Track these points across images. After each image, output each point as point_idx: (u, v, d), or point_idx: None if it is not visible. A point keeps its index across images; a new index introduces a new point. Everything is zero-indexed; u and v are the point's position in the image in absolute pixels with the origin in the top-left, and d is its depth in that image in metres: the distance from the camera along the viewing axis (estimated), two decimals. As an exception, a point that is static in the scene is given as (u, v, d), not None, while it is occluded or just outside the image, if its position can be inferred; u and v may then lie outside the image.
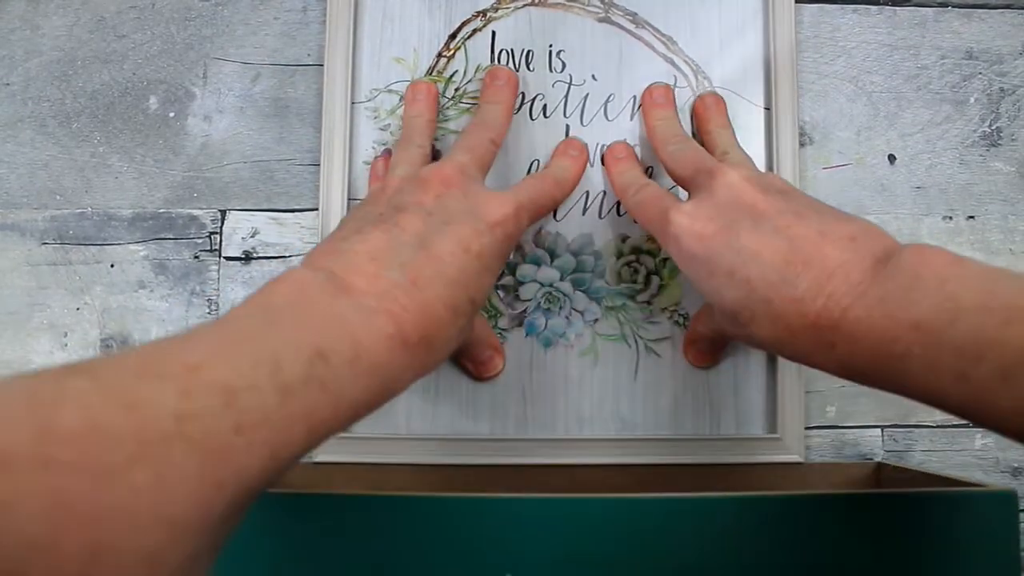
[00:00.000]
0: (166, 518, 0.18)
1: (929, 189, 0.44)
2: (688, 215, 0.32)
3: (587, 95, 0.42)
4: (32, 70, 0.43)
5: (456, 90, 0.42)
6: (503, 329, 0.41)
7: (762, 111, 0.42)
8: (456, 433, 0.41)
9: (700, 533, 0.31)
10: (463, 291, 0.29)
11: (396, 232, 0.30)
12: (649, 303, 0.42)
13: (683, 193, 0.37)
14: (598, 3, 0.43)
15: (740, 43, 0.43)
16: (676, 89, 0.42)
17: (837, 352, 0.27)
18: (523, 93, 0.42)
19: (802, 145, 0.44)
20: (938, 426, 0.43)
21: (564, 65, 0.42)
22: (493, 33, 0.42)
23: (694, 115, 0.42)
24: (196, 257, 0.43)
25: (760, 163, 0.42)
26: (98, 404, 0.18)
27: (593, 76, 0.42)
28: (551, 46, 0.42)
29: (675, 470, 0.40)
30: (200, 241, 0.43)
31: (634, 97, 0.42)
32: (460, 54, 0.42)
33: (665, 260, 0.42)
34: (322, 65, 0.42)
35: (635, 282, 0.42)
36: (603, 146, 0.42)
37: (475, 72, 0.42)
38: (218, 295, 0.42)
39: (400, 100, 0.42)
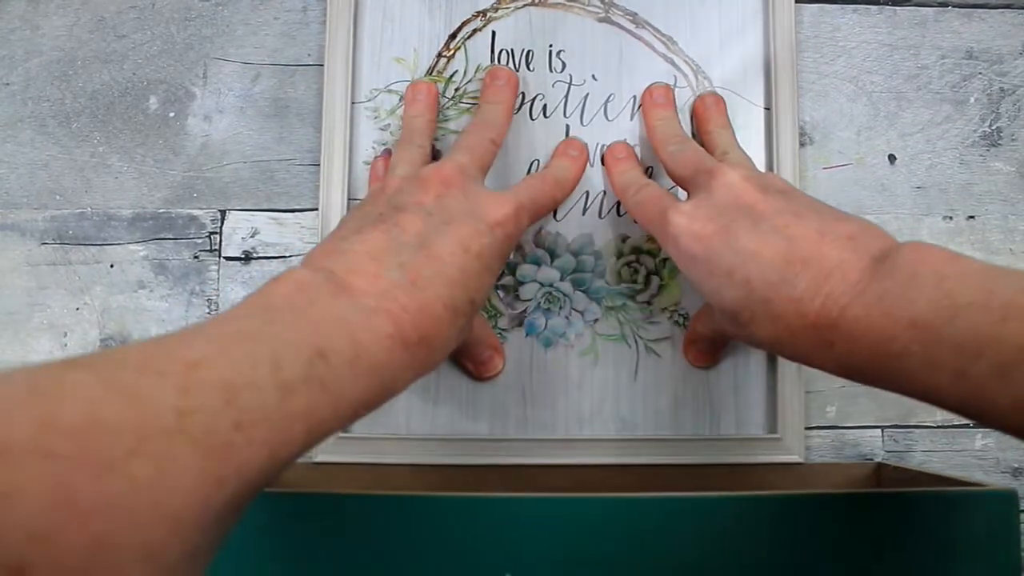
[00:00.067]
0: (166, 513, 0.18)
1: (929, 189, 0.44)
2: (687, 215, 0.32)
3: (587, 95, 0.42)
4: (32, 70, 0.43)
5: (456, 90, 0.42)
6: (503, 329, 0.41)
7: (762, 111, 0.42)
8: (456, 433, 0.41)
9: (700, 533, 0.31)
10: (463, 291, 0.29)
11: (396, 232, 0.30)
12: (649, 303, 0.42)
13: (683, 193, 0.37)
14: (598, 3, 0.43)
15: (740, 43, 0.43)
16: (676, 89, 0.42)
17: (836, 351, 0.27)
18: (523, 93, 0.42)
19: (802, 145, 0.44)
20: (938, 426, 0.43)
21: (564, 65, 0.42)
22: (493, 33, 0.42)
23: (694, 115, 0.42)
24: (196, 257, 0.43)
25: (760, 163, 0.42)
26: (99, 397, 0.18)
27: (593, 76, 0.42)
28: (551, 46, 0.42)
29: (675, 470, 0.40)
30: (200, 241, 0.43)
31: (634, 97, 0.42)
32: (460, 54, 0.42)
33: (665, 260, 0.42)
34: (322, 65, 0.42)
35: (635, 282, 0.42)
36: (603, 146, 0.42)
37: (475, 72, 0.42)
38: (218, 295, 0.42)
39: (400, 100, 0.42)
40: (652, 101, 0.41)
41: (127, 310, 0.42)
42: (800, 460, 0.41)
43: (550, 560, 0.30)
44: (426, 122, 0.39)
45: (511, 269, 0.41)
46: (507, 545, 0.30)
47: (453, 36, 0.42)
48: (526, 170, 0.42)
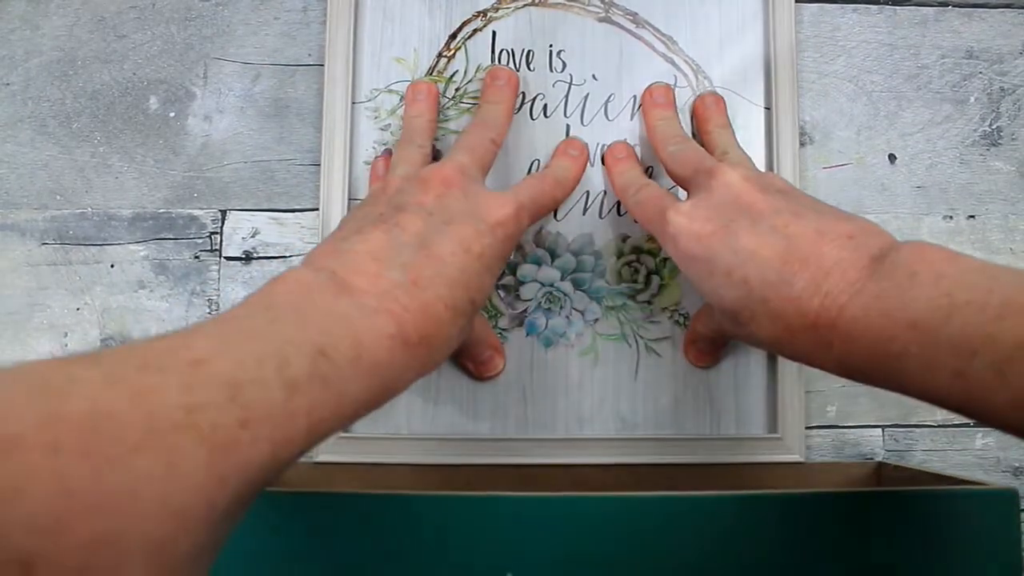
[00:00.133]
0: (172, 509, 0.18)
1: (929, 188, 0.45)
2: (686, 215, 0.32)
3: (587, 95, 0.42)
4: (32, 70, 0.43)
5: (456, 90, 0.42)
6: (503, 329, 0.41)
7: (762, 111, 0.42)
8: (456, 433, 0.41)
9: (700, 532, 0.31)
10: (464, 291, 0.29)
11: (397, 232, 0.30)
12: (649, 303, 0.42)
13: (683, 193, 0.37)
14: (598, 3, 0.43)
15: (740, 43, 0.43)
16: (676, 89, 0.42)
17: (835, 351, 0.27)
18: (523, 93, 0.42)
19: (802, 145, 0.44)
20: (939, 426, 0.43)
21: (564, 65, 0.42)
22: (493, 33, 0.42)
23: (694, 115, 0.42)
24: (196, 257, 0.43)
25: (760, 163, 0.42)
26: (103, 393, 0.18)
27: (593, 76, 0.42)
28: (551, 46, 0.42)
29: (675, 470, 0.40)
30: (200, 241, 0.43)
31: (634, 97, 0.42)
32: (460, 54, 0.42)
33: (665, 260, 0.42)
34: (322, 65, 0.42)
35: (635, 282, 0.42)
36: (603, 146, 0.42)
37: (475, 72, 0.42)
38: (218, 295, 0.42)
39: (400, 100, 0.42)
40: (652, 101, 0.41)
41: (127, 310, 0.42)
42: (800, 460, 0.41)
43: (550, 560, 0.30)
44: (426, 122, 0.39)
45: (511, 269, 0.41)
46: (507, 545, 0.30)
47: (453, 36, 0.42)
48: (526, 170, 0.42)
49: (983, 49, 0.45)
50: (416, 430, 0.41)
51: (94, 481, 0.17)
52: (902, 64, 0.45)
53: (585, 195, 0.42)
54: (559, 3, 0.43)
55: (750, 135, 0.42)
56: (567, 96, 0.42)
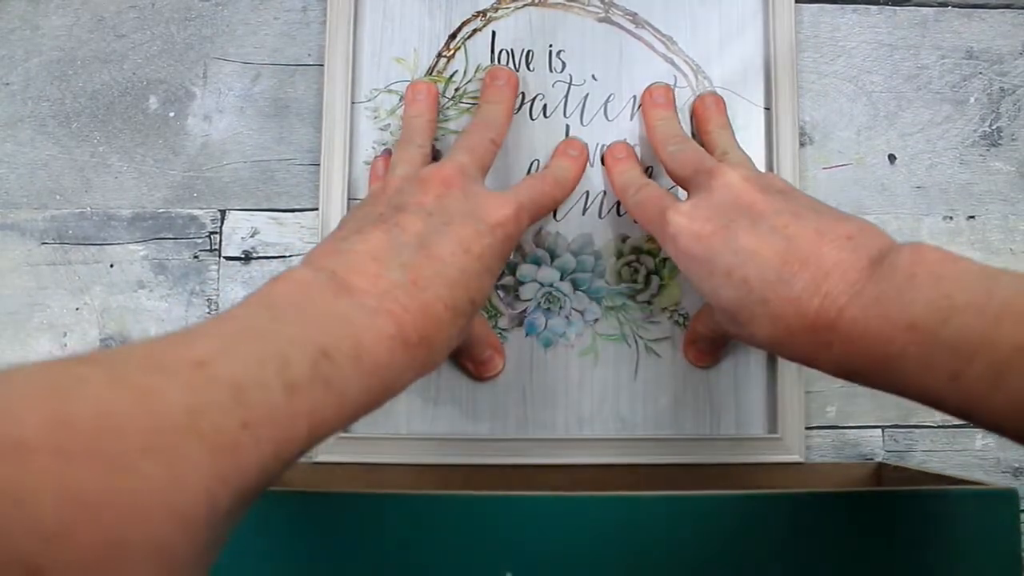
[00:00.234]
0: (176, 511, 0.18)
1: (929, 189, 0.45)
2: (686, 215, 0.32)
3: (587, 95, 0.42)
4: (32, 70, 0.43)
5: (456, 90, 0.42)
6: (503, 329, 0.41)
7: (762, 111, 0.42)
8: (456, 433, 0.41)
9: (700, 533, 0.31)
10: (463, 292, 0.29)
11: (396, 232, 0.30)
12: (649, 303, 0.42)
13: (683, 193, 0.37)
14: (598, 3, 0.43)
15: (740, 43, 0.43)
16: (676, 89, 0.42)
17: (834, 352, 0.27)
18: (523, 93, 0.42)
19: (802, 145, 0.44)
20: (939, 426, 0.43)
21: (564, 65, 0.42)
22: (493, 33, 0.42)
23: (694, 115, 0.42)
24: (196, 257, 0.43)
25: (760, 163, 0.42)
26: (109, 395, 0.18)
27: (593, 76, 0.42)
28: (551, 46, 0.42)
29: (675, 470, 0.40)
30: (200, 241, 0.43)
31: (634, 97, 0.42)
32: (460, 54, 0.42)
33: (665, 260, 0.42)
34: (322, 65, 0.42)
35: (635, 282, 0.42)
36: (603, 146, 0.42)
37: (475, 72, 0.42)
38: (218, 295, 0.42)
39: (400, 100, 0.42)
40: (652, 101, 0.41)
41: (127, 310, 0.42)
42: (800, 460, 0.41)
43: (550, 560, 0.30)
44: (426, 122, 0.39)
45: (511, 269, 0.41)
46: (507, 544, 0.30)
47: (453, 36, 0.42)
48: (526, 170, 0.42)
49: (983, 49, 0.45)
50: (416, 430, 0.41)
51: (100, 486, 0.17)
52: (902, 64, 0.45)
53: (585, 195, 0.42)
54: (559, 3, 0.43)
55: (750, 135, 0.42)
56: (567, 96, 0.42)
